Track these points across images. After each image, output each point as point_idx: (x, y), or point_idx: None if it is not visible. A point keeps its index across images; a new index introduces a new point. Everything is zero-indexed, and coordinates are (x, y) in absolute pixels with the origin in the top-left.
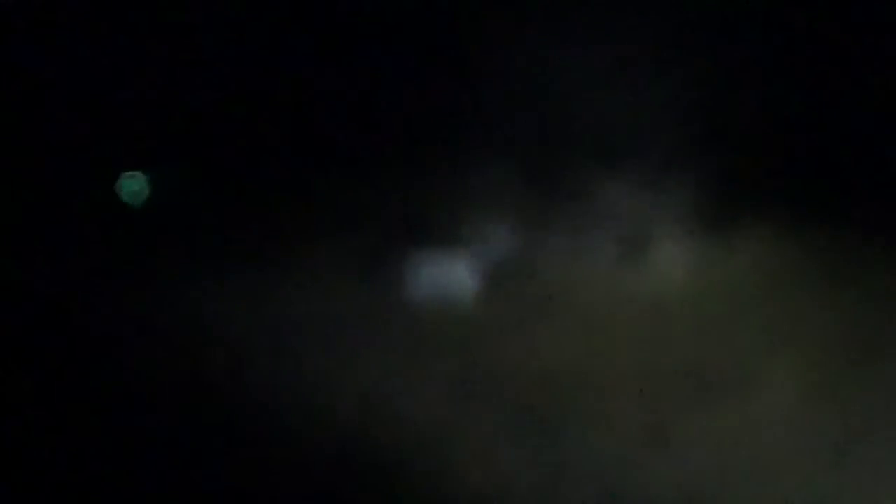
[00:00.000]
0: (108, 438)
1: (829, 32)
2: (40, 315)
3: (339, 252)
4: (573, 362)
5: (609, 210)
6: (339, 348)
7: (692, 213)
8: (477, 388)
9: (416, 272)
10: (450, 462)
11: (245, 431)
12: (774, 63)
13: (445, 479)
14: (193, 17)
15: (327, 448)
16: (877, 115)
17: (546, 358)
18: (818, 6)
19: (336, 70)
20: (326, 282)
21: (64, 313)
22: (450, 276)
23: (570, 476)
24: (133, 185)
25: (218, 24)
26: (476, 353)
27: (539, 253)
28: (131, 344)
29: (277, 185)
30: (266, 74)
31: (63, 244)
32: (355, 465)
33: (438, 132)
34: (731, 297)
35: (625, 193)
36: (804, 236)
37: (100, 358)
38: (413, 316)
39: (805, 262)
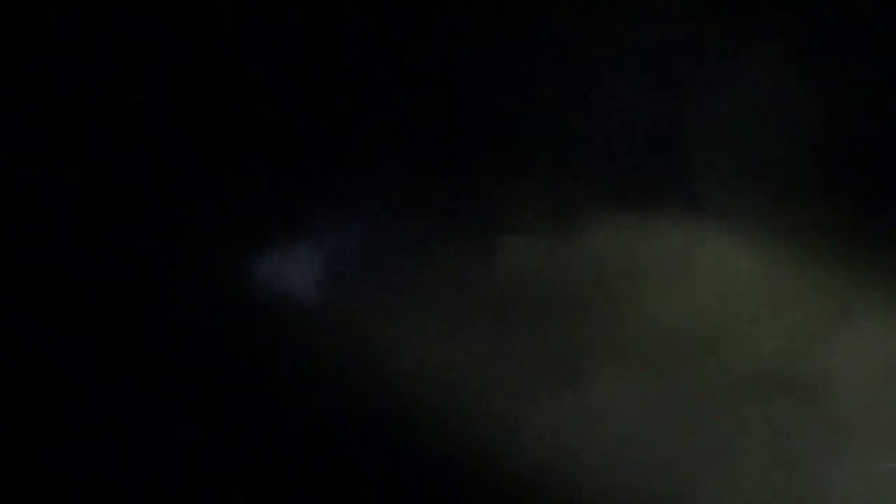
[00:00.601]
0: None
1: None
2: None
3: (206, 246)
4: (424, 356)
5: (460, 206)
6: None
7: (541, 209)
8: (332, 383)
9: (275, 269)
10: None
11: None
12: (629, 56)
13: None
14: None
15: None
16: (721, 106)
17: (398, 352)
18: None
19: (215, 69)
20: (196, 275)
21: None
22: (304, 273)
23: (422, 466)
24: None
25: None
26: (327, 348)
27: (391, 251)
28: None
29: (149, 179)
30: (143, 68)
31: None
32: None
33: (305, 128)
34: (577, 291)
35: (477, 190)
36: (647, 230)
37: None
38: (274, 314)
39: (650, 255)
